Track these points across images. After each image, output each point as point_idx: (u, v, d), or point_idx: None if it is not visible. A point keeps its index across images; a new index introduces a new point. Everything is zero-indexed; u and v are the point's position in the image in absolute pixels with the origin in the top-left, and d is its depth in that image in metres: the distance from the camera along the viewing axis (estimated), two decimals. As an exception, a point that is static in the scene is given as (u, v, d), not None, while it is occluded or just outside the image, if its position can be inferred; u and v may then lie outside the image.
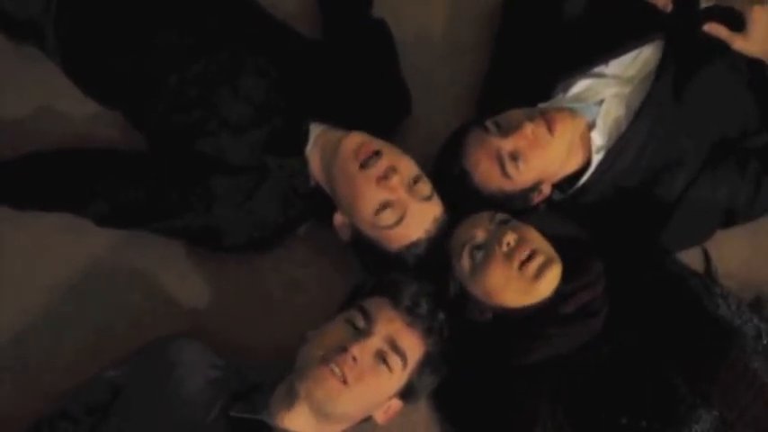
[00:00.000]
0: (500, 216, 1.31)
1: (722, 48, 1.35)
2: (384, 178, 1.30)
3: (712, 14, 1.36)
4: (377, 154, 1.32)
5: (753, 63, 1.38)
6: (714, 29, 1.35)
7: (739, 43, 1.34)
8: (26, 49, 1.54)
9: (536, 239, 1.27)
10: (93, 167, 1.46)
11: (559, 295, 1.23)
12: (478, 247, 1.27)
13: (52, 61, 1.51)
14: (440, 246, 1.34)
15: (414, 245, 1.34)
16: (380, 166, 1.31)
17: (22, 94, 1.59)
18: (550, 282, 1.23)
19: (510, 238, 1.24)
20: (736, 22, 1.34)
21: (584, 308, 1.24)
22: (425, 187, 1.34)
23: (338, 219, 1.40)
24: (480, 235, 1.28)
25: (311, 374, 1.15)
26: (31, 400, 1.39)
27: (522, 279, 1.22)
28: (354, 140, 1.35)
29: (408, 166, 1.34)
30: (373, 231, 1.35)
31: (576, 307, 1.24)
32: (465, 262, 1.28)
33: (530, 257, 1.22)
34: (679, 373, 1.19)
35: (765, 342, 1.30)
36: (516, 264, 1.22)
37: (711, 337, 1.23)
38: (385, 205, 1.31)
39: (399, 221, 1.31)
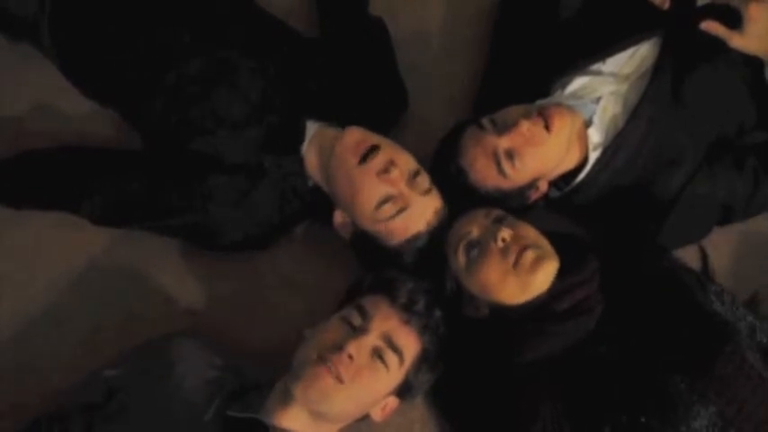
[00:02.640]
0: (496, 213, 1.31)
1: (719, 45, 1.34)
2: (384, 172, 1.30)
3: (709, 12, 1.36)
4: (375, 148, 1.32)
5: (750, 60, 1.38)
6: (711, 26, 1.34)
7: (736, 41, 1.33)
8: (22, 48, 1.54)
9: (531, 235, 1.27)
10: (89, 166, 1.46)
11: (554, 292, 1.23)
12: (474, 244, 1.27)
13: (48, 59, 1.50)
14: (438, 241, 1.34)
15: (415, 238, 1.34)
16: (380, 160, 1.31)
17: (18, 93, 1.59)
18: (546, 275, 1.23)
19: (505, 233, 1.24)
20: (734, 20, 1.33)
21: (579, 305, 1.24)
22: (425, 180, 1.34)
23: (338, 217, 1.40)
24: (476, 231, 1.28)
25: (305, 375, 1.15)
26: (27, 399, 1.39)
27: (517, 273, 1.22)
28: (353, 136, 1.35)
29: (407, 161, 1.34)
30: (374, 226, 1.34)
31: (570, 304, 1.24)
32: (460, 258, 1.28)
33: (524, 251, 1.22)
34: (676, 369, 1.19)
35: (759, 339, 1.31)
36: (511, 260, 1.22)
37: (707, 333, 1.23)
38: (386, 199, 1.31)
39: (400, 213, 1.31)
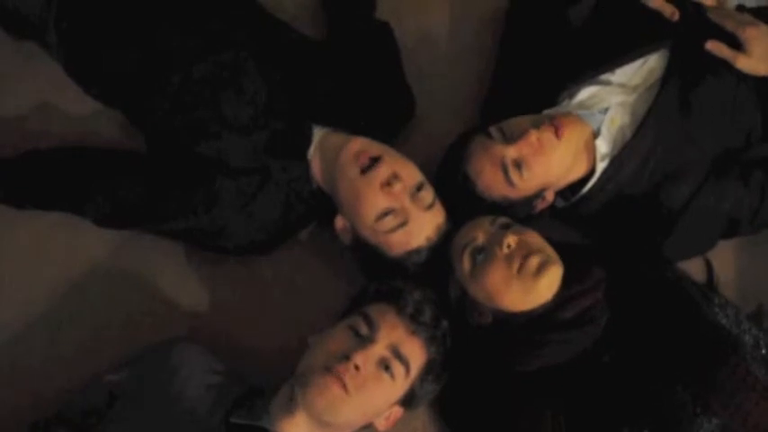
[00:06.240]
0: (501, 220, 1.31)
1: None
2: (387, 185, 1.29)
3: (717, 27, 1.36)
4: (377, 159, 1.32)
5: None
6: (716, 47, 1.34)
7: (742, 62, 1.33)
8: (27, 47, 1.53)
9: (537, 243, 1.27)
10: (93, 167, 1.45)
11: (559, 300, 1.23)
12: (479, 250, 1.27)
13: (53, 59, 1.49)
14: (441, 251, 1.34)
15: (414, 252, 1.34)
16: (383, 172, 1.31)
17: (23, 92, 1.57)
18: (551, 281, 1.22)
19: (511, 240, 1.24)
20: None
21: (584, 314, 1.24)
22: (428, 195, 1.34)
23: (339, 222, 1.39)
24: (481, 237, 1.28)
25: (312, 383, 1.14)
26: (27, 402, 1.38)
27: (521, 278, 1.22)
28: (356, 145, 1.34)
29: (411, 173, 1.34)
30: (374, 237, 1.34)
31: (575, 312, 1.23)
32: (465, 263, 1.28)
33: (529, 257, 1.22)
34: (680, 381, 1.19)
35: (764, 351, 1.30)
36: (516, 266, 1.22)
37: (711, 345, 1.23)
38: (387, 212, 1.30)
39: (401, 227, 1.31)
